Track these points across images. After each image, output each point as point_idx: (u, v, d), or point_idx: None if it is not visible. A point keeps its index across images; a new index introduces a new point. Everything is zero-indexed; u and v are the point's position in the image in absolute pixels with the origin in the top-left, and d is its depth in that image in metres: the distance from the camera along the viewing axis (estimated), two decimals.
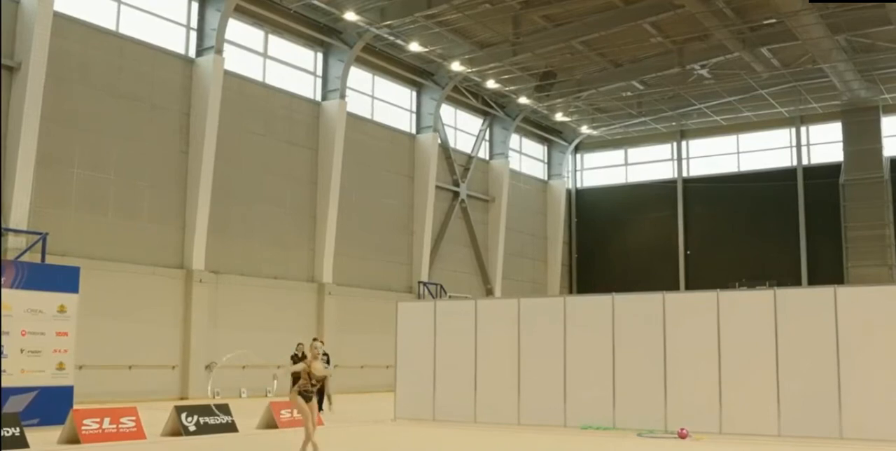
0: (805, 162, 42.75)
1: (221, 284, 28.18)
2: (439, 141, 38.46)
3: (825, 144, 42.16)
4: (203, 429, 15.39)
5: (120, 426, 14.41)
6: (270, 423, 16.79)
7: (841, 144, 40.59)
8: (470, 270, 41.33)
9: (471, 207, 41.19)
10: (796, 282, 39.48)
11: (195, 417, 15.49)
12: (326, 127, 32.44)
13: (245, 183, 29.60)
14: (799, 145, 43.04)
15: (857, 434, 14.91)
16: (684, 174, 45.77)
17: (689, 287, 41.78)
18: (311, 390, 12.13)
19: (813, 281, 39.25)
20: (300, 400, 12.10)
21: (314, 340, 12.67)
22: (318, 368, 12.10)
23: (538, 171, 47.83)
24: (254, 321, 28.82)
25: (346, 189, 32.91)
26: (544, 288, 45.66)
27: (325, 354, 22.40)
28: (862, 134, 39.67)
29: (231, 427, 15.91)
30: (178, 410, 15.43)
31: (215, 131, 27.61)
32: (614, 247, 46.72)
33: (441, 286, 37.22)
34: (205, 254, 27.39)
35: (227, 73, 28.34)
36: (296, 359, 22.37)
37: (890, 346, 15.00)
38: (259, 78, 30.69)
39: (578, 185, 49.15)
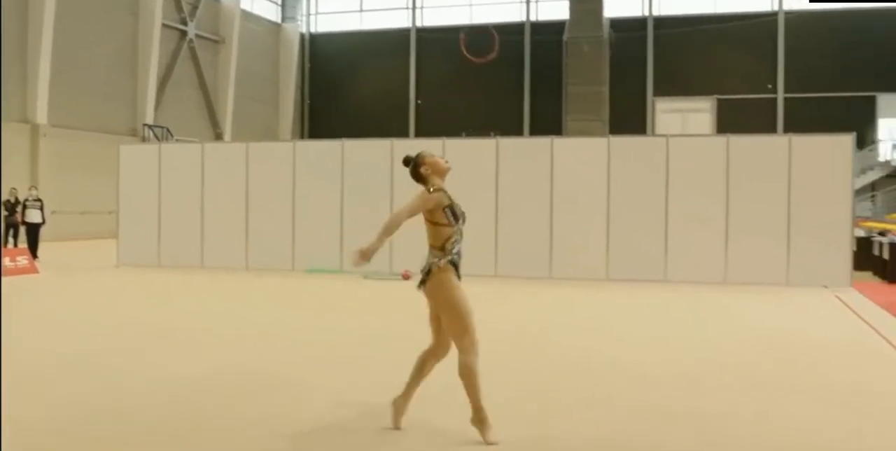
0: (533, 18, 44.01)
1: None
2: None
3: (553, 0, 43.40)
4: None
5: None
6: None
7: (567, 2, 41.91)
8: (199, 113, 39.91)
9: (200, 47, 39.32)
10: (519, 132, 41.39)
11: None
12: None
13: None
14: (528, 0, 44.11)
15: (564, 275, 16.20)
16: (418, 24, 45.87)
17: (418, 135, 42.65)
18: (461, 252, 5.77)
19: (535, 132, 41.24)
20: (457, 284, 5.57)
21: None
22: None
23: (271, 13, 46.21)
24: None
25: (62, 25, 30.17)
26: (276, 134, 45.10)
27: (38, 200, 21.26)
28: None
29: None
30: None
31: None
32: (348, 94, 46.59)
33: (167, 129, 35.75)
34: None
35: None
36: (9, 205, 21.02)
37: (596, 192, 16.18)
38: None
39: (313, 30, 48.10)
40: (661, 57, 41.48)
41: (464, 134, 35.34)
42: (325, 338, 9.39)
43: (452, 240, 5.66)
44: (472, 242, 16.95)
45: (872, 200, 35.00)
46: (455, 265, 5.60)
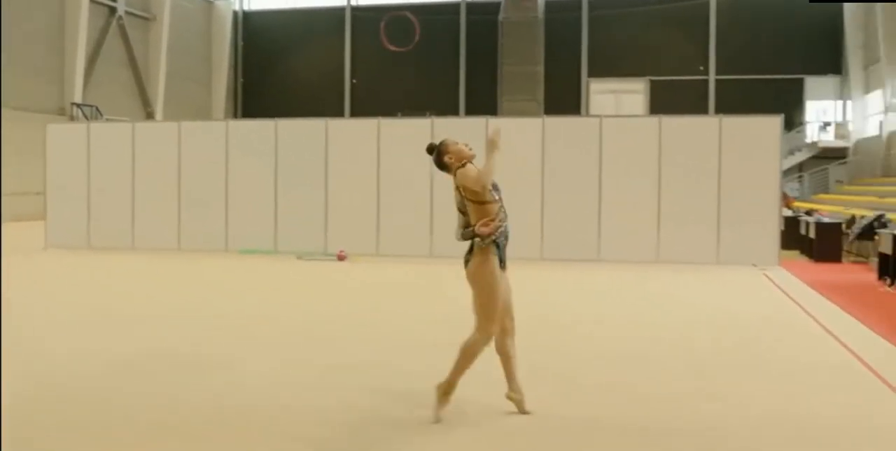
0: None
1: None
2: None
3: None
4: None
5: None
6: None
7: None
8: (129, 92, 39.08)
9: (130, 25, 38.45)
10: (455, 112, 41.34)
11: None
12: None
13: None
14: None
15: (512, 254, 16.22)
16: (353, 2, 45.46)
17: (353, 115, 42.33)
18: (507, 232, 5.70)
19: (470, 112, 41.23)
20: (496, 269, 5.56)
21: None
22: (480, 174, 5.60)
23: None
24: None
25: None
26: (209, 113, 44.42)
27: None
28: None
29: None
30: None
31: None
32: (282, 73, 46.03)
33: (97, 108, 34.97)
34: None
35: None
36: None
37: (531, 171, 16.26)
38: None
39: (246, 7, 47.37)
40: (596, 38, 41.71)
41: (399, 114, 35.16)
42: (268, 321, 9.31)
43: (499, 218, 5.59)
44: (404, 222, 16.96)
45: (800, 181, 35.77)
46: (498, 246, 5.55)
